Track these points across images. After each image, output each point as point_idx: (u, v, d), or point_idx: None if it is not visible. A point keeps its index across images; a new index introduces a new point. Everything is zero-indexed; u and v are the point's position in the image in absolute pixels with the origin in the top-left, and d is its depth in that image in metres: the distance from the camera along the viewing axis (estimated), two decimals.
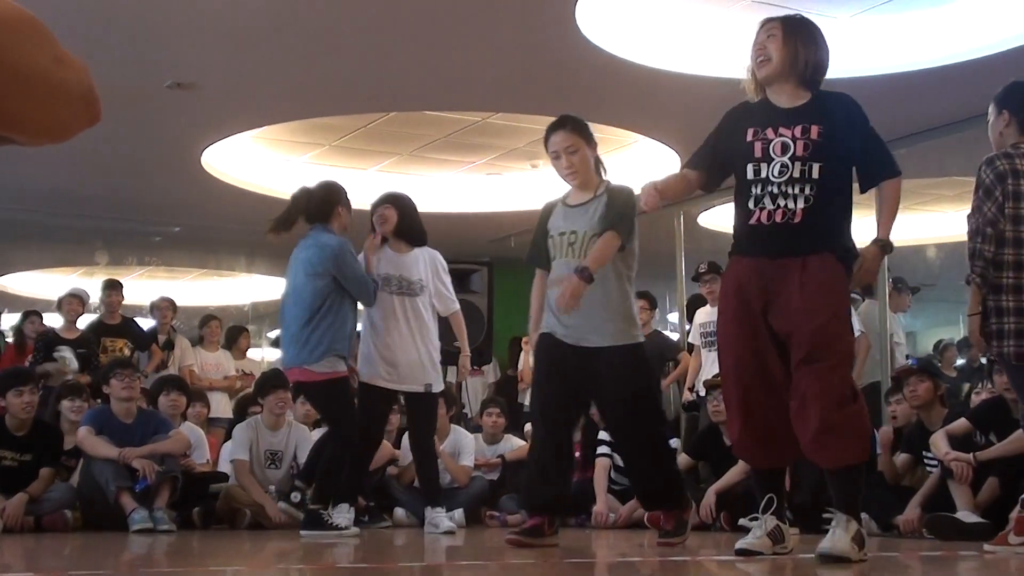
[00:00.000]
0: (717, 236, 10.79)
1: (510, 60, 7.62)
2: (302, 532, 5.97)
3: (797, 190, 3.98)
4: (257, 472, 7.08)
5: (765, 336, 4.01)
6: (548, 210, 5.09)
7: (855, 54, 7.71)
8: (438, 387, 6.46)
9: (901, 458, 6.29)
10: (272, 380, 7.36)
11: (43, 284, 14.27)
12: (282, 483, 7.16)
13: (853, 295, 9.13)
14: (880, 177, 4.10)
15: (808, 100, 4.11)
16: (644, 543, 5.63)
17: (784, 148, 4.02)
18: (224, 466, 7.45)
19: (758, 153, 4.05)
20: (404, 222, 6.39)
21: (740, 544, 4.16)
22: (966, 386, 6.64)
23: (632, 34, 7.47)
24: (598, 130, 8.08)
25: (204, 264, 14.71)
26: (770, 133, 4.05)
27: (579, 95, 7.79)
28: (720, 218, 10.66)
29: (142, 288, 13.64)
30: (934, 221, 11.69)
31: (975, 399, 6.43)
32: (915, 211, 11.48)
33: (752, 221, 4.04)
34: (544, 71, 7.75)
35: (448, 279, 6.56)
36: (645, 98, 8.20)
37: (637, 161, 9.58)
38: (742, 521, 3.92)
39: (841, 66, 7.76)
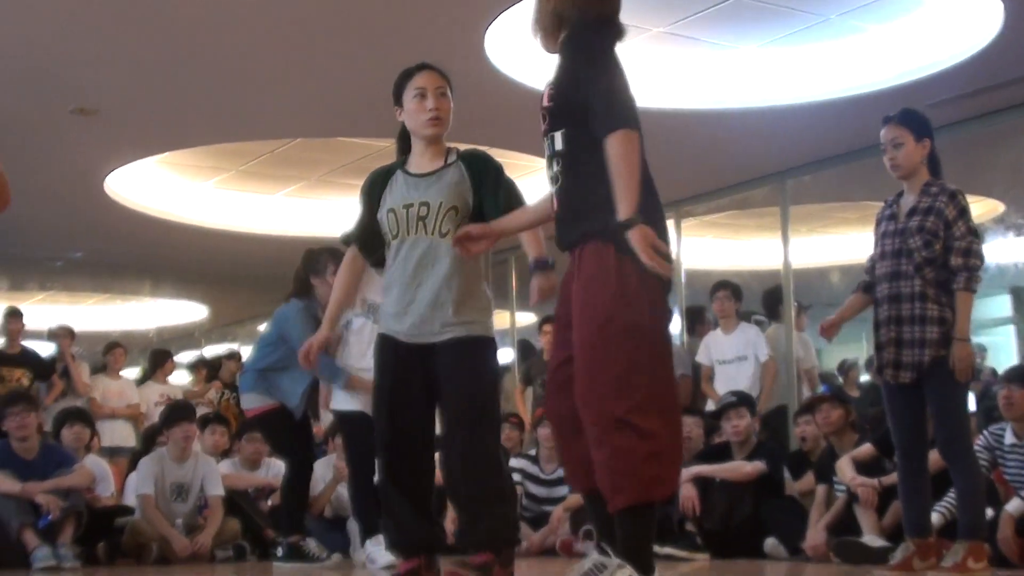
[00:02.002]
0: None
1: None
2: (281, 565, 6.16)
3: (555, 168, 3.25)
4: (163, 506, 6.93)
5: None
6: (379, 181, 4.18)
7: (762, 84, 7.85)
8: None
9: (819, 488, 6.30)
10: (177, 412, 7.24)
11: None
12: (188, 516, 7.02)
13: (759, 318, 9.27)
14: (599, 135, 3.06)
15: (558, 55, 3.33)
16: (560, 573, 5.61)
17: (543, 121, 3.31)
18: (130, 498, 7.30)
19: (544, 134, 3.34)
20: None
21: None
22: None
23: (540, 63, 7.50)
24: (506, 156, 8.15)
25: (108, 289, 14.44)
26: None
27: (487, 122, 7.81)
28: None
29: (43, 313, 13.35)
30: (838, 244, 11.91)
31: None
32: (820, 234, 11.69)
33: None
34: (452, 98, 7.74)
35: None
36: None
37: (544, 187, 9.61)
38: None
39: (749, 95, 7.94)
